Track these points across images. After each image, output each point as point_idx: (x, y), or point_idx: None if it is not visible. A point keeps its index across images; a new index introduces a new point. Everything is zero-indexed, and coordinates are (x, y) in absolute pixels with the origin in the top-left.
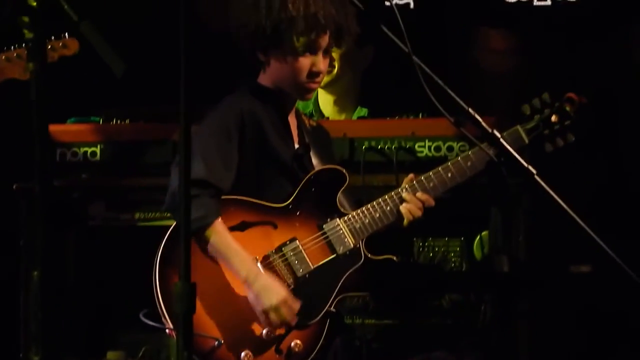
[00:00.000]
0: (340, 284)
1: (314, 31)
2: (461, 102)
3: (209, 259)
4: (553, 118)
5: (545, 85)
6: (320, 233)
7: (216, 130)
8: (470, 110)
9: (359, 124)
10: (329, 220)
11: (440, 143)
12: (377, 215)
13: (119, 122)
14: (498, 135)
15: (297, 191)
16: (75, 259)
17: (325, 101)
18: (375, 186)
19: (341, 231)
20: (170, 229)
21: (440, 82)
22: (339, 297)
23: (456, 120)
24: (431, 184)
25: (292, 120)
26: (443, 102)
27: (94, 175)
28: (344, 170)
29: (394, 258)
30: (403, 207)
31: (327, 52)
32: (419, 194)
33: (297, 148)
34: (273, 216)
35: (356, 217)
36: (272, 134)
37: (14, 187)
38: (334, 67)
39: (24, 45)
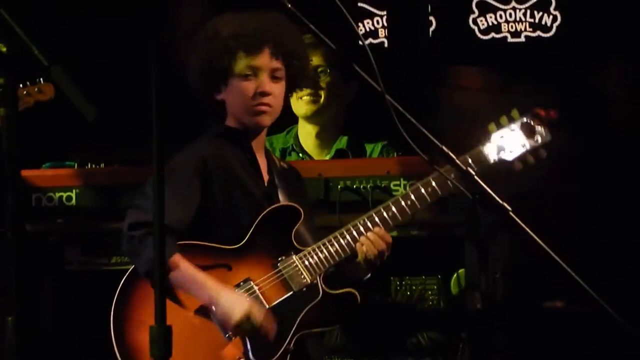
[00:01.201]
0: (298, 321)
1: (246, 50)
2: (435, 140)
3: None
4: (520, 135)
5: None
6: (275, 271)
7: (173, 176)
8: (444, 148)
9: (333, 164)
10: (283, 257)
11: (415, 181)
12: (334, 249)
13: (93, 166)
14: (472, 172)
15: (251, 230)
16: (52, 303)
17: (306, 134)
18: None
19: (296, 268)
20: (125, 277)
21: (413, 120)
22: (298, 335)
23: (430, 158)
24: (390, 213)
25: (261, 159)
26: (417, 140)
27: (70, 220)
28: (299, 207)
29: (354, 292)
30: (358, 243)
31: (275, 77)
32: (376, 229)
33: (266, 186)
34: (227, 258)
35: (312, 252)
36: (242, 174)
37: None
38: (321, 97)
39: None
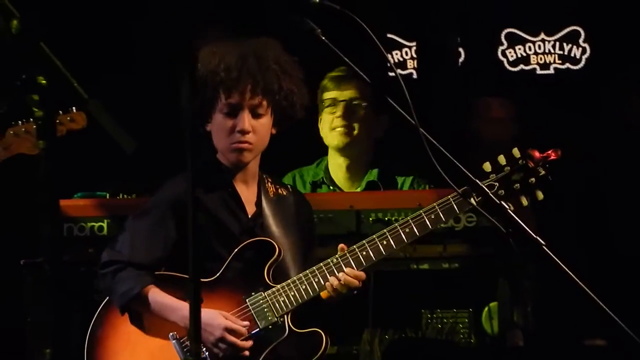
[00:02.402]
0: (262, 358)
1: (224, 88)
2: (469, 174)
3: (145, 328)
4: (515, 176)
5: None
6: (243, 306)
7: (150, 215)
8: (478, 182)
9: (365, 196)
10: (253, 293)
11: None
12: (303, 287)
13: (125, 196)
14: (506, 206)
15: (225, 264)
16: (82, 334)
17: (337, 166)
18: (382, 258)
19: (264, 304)
20: (102, 306)
21: (446, 153)
22: None
23: (464, 191)
24: (364, 253)
25: (248, 191)
26: (449, 173)
27: (101, 250)
28: (274, 243)
29: (320, 331)
30: (329, 283)
31: (257, 113)
32: (348, 270)
33: (250, 219)
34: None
35: (281, 290)
36: (219, 211)
37: (21, 262)
38: (354, 129)
39: (31, 120)
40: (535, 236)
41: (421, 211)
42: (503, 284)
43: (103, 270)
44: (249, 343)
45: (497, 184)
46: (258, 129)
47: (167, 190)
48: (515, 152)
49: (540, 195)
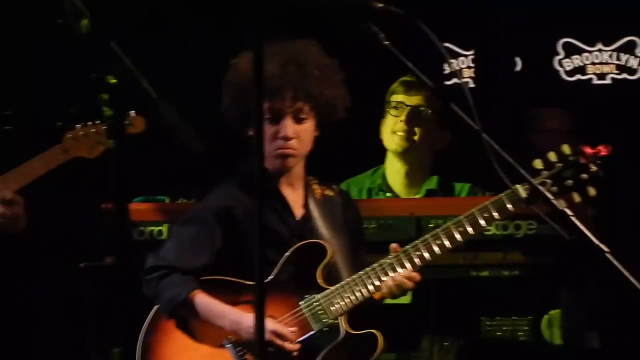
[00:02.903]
0: None
1: (266, 95)
2: (531, 180)
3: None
4: (566, 173)
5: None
6: (296, 310)
7: (196, 220)
8: (541, 188)
9: (425, 203)
10: (307, 296)
11: (507, 222)
12: (358, 288)
13: (185, 201)
14: (570, 213)
15: (277, 268)
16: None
17: (395, 172)
18: (442, 265)
19: (318, 307)
20: (151, 315)
21: (510, 159)
22: None
23: (527, 198)
24: (418, 254)
25: (292, 193)
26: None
27: None
28: (326, 245)
29: (376, 333)
30: (384, 283)
31: (300, 117)
32: (402, 271)
33: (298, 222)
34: (251, 294)
35: (335, 292)
36: (266, 214)
37: (80, 266)
38: (416, 134)
39: (89, 123)
40: (598, 243)
41: (474, 210)
42: (566, 292)
43: (148, 276)
44: (297, 346)
45: (549, 180)
46: (301, 134)
47: (213, 198)
48: (566, 148)
49: (592, 191)
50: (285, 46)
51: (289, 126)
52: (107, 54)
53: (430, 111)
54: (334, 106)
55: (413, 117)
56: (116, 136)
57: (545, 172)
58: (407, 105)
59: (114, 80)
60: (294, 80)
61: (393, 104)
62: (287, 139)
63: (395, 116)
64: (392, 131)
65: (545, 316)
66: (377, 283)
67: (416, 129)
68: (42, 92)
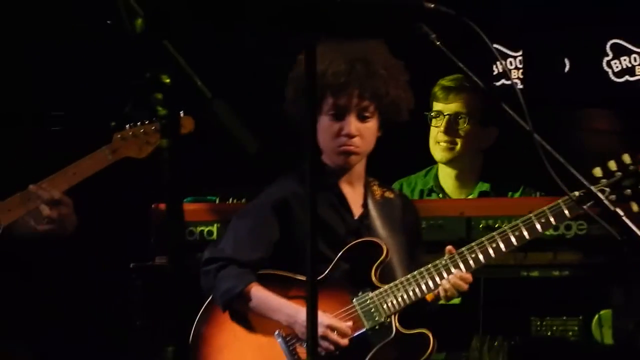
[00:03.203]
0: (368, 359)
1: (332, 91)
2: (583, 180)
3: (248, 326)
4: (626, 182)
5: None
6: (349, 307)
7: (253, 213)
8: (592, 188)
9: (475, 203)
10: (360, 293)
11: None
12: (412, 288)
13: (235, 201)
14: (621, 213)
15: (332, 264)
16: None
17: (446, 175)
18: (493, 265)
19: (371, 305)
20: (208, 302)
21: (561, 159)
22: None
23: (578, 198)
24: (473, 256)
25: (354, 193)
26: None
27: None
28: (380, 243)
29: (428, 333)
30: (437, 282)
31: (364, 116)
32: (456, 272)
33: (356, 220)
34: (303, 289)
35: (389, 290)
36: (324, 210)
37: (130, 266)
38: (457, 144)
39: (138, 124)
40: None
41: (531, 215)
42: (617, 291)
43: (206, 267)
44: (346, 341)
45: (608, 189)
46: (364, 132)
47: (271, 192)
48: (626, 157)
49: None
50: (354, 45)
51: (353, 123)
52: (161, 53)
53: (468, 117)
54: (398, 107)
55: (451, 127)
56: (170, 136)
57: (604, 180)
58: (446, 115)
59: (168, 80)
60: (360, 78)
61: (433, 114)
62: (350, 136)
63: (435, 126)
64: (435, 142)
65: (596, 316)
66: (430, 283)
67: (457, 139)
68: (95, 92)
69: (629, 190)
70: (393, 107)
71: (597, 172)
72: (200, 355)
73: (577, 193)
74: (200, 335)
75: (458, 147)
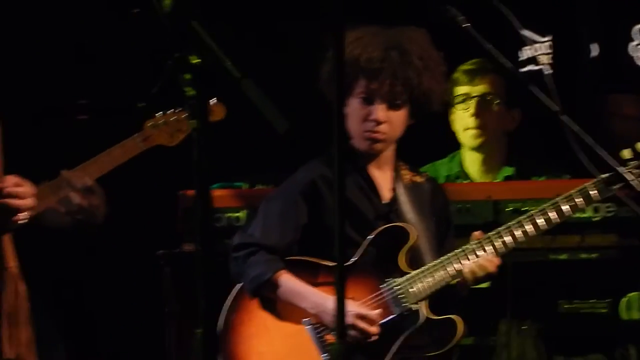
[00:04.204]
0: (397, 345)
1: (365, 76)
2: (611, 162)
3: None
4: None
5: None
6: (378, 293)
7: (282, 197)
8: (620, 169)
9: (503, 186)
10: (389, 279)
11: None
12: (440, 273)
13: (263, 187)
14: None
15: (360, 251)
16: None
17: (471, 161)
18: (520, 248)
19: (400, 291)
20: (234, 294)
21: (589, 141)
22: (397, 359)
23: (603, 178)
24: (500, 240)
25: (383, 177)
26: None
27: None
28: (409, 228)
29: (456, 318)
30: (465, 265)
31: (395, 104)
32: (483, 255)
33: (385, 205)
34: (332, 275)
35: (417, 276)
36: (354, 195)
37: (157, 253)
38: (487, 128)
39: (169, 112)
40: None
41: (558, 198)
42: None
43: (235, 253)
44: (377, 329)
45: (637, 170)
46: (393, 120)
47: (300, 175)
48: None
49: None
50: (393, 31)
51: (381, 110)
52: (189, 33)
53: (497, 100)
54: (430, 98)
55: (482, 108)
56: (199, 117)
57: (633, 161)
58: (473, 97)
59: (196, 60)
60: (394, 65)
61: (460, 98)
62: (378, 122)
63: (464, 110)
64: (465, 128)
65: (624, 299)
66: (458, 267)
67: (487, 120)
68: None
69: None
70: (425, 98)
71: (626, 154)
72: (229, 343)
73: (604, 175)
74: (230, 323)
75: (489, 128)
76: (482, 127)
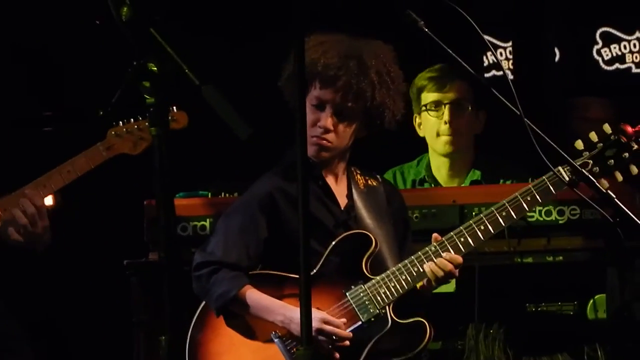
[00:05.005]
0: (366, 351)
1: (320, 81)
2: (574, 163)
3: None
4: (608, 152)
5: None
6: (344, 301)
7: (241, 212)
8: (584, 171)
9: (468, 191)
10: (352, 287)
11: (550, 207)
12: (404, 277)
13: (227, 195)
14: (613, 195)
15: (321, 260)
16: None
17: (439, 165)
18: (487, 252)
19: (365, 297)
20: (201, 307)
21: (552, 144)
22: None
23: (570, 181)
24: (462, 239)
25: (338, 184)
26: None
27: None
28: (370, 235)
29: (424, 321)
30: (426, 267)
31: (342, 114)
32: (445, 254)
33: (343, 212)
34: (296, 287)
35: (381, 282)
36: (311, 203)
37: (125, 263)
38: (461, 130)
39: (132, 120)
40: None
41: (517, 194)
42: (612, 274)
43: (197, 272)
44: (348, 334)
45: (591, 161)
46: (340, 130)
47: (256, 188)
48: (607, 127)
49: (634, 169)
50: (357, 42)
51: (330, 118)
52: (148, 41)
53: (466, 103)
54: (382, 114)
55: (455, 114)
56: (159, 124)
57: (586, 152)
58: (446, 103)
59: (154, 68)
60: (349, 77)
61: (429, 105)
62: (326, 130)
63: (436, 117)
64: (437, 134)
65: (591, 301)
66: (422, 270)
67: (460, 126)
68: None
69: (612, 161)
70: (377, 113)
71: (579, 144)
72: (193, 358)
73: (560, 168)
74: (197, 341)
75: (461, 136)
76: (456, 133)
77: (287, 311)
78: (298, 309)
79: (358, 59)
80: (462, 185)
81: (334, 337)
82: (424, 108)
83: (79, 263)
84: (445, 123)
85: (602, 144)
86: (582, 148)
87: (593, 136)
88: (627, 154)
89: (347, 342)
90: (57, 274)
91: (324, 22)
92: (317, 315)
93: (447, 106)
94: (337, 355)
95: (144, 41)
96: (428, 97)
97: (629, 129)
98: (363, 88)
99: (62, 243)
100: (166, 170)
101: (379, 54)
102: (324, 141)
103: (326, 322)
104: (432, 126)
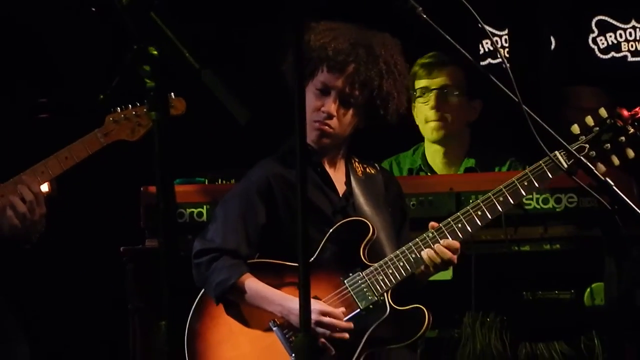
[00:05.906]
0: (365, 338)
1: (327, 67)
2: (572, 150)
3: (242, 318)
4: (604, 136)
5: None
6: (341, 289)
7: (239, 199)
8: (582, 158)
9: (464, 178)
10: (351, 274)
11: (547, 195)
12: (401, 264)
13: (224, 182)
14: (611, 183)
15: (319, 247)
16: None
17: (434, 153)
18: (483, 240)
19: (363, 285)
20: (200, 296)
21: (550, 130)
22: (366, 352)
23: (568, 168)
24: (459, 225)
25: (337, 171)
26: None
27: None
28: (368, 222)
29: (422, 307)
30: (424, 253)
31: (346, 101)
32: (443, 241)
33: (339, 200)
34: (295, 275)
35: (379, 269)
36: (310, 190)
37: (120, 250)
38: (447, 121)
39: (130, 106)
40: None
41: (514, 179)
42: (609, 262)
43: (197, 260)
44: (348, 324)
45: (587, 145)
46: (342, 117)
47: (254, 174)
48: (602, 112)
49: (631, 153)
50: (366, 32)
51: (334, 104)
52: (148, 25)
53: (456, 91)
54: (387, 105)
55: (441, 101)
56: (159, 108)
57: (582, 137)
58: (432, 89)
59: (155, 52)
60: (358, 63)
61: (418, 91)
62: (329, 115)
63: (424, 103)
64: (425, 120)
65: (588, 289)
66: (420, 257)
67: (447, 114)
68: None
69: (608, 144)
70: (382, 103)
71: (575, 129)
72: (196, 352)
73: (557, 152)
74: (195, 331)
75: (449, 121)
76: (442, 119)
77: (286, 302)
78: (297, 300)
79: (368, 47)
80: (458, 172)
81: (333, 329)
82: (414, 94)
83: (74, 250)
84: (432, 108)
85: (598, 128)
86: (578, 132)
87: (589, 120)
88: (623, 138)
89: (347, 335)
90: (53, 261)
91: (320, 12)
92: (316, 306)
93: (433, 92)
94: (335, 347)
95: (143, 25)
96: (418, 83)
97: (625, 112)
98: (371, 76)
99: (58, 230)
100: (166, 155)
101: (387, 45)
102: (326, 127)
103: (325, 314)
104: (421, 112)
